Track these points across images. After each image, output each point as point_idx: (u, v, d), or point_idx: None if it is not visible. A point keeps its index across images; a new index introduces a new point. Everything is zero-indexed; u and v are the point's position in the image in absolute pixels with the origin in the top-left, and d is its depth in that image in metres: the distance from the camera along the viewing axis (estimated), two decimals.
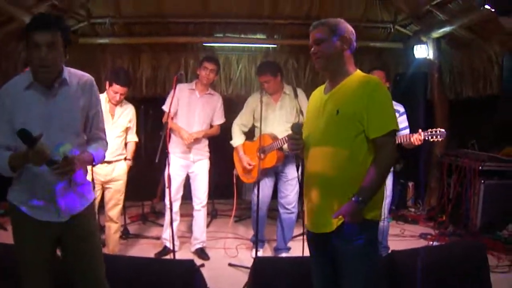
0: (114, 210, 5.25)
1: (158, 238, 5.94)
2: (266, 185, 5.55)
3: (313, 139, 3.00)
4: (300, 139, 3.03)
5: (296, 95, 5.48)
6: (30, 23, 2.70)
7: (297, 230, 5.93)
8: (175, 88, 4.96)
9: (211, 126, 5.75)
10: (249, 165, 5.52)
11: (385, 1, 7.76)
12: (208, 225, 6.21)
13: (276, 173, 5.57)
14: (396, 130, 2.85)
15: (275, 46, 8.63)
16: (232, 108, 5.97)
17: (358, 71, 3.00)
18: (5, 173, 2.71)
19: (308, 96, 3.62)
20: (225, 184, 6.76)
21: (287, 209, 5.50)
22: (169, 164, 4.91)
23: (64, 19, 2.84)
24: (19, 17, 6.85)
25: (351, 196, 2.77)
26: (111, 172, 5.13)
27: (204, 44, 8.53)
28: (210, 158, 5.79)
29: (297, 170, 3.64)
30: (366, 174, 2.79)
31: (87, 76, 3.00)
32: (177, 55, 8.65)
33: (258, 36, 8.45)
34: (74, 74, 2.93)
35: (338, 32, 2.92)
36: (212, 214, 7.46)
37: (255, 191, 5.28)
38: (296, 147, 3.04)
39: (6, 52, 7.47)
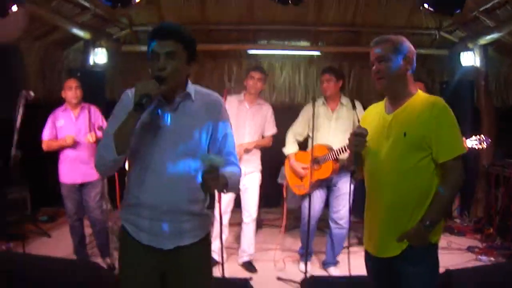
0: None
1: None
2: (318, 198, 5.44)
3: (376, 160, 2.93)
4: (365, 137, 2.91)
5: (353, 107, 5.40)
6: (150, 33, 2.59)
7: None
8: (225, 101, 4.93)
9: (263, 137, 5.72)
10: (303, 169, 5.41)
11: None
12: None
13: (328, 186, 5.47)
14: (463, 154, 2.79)
15: (319, 53, 8.59)
16: (276, 116, 5.88)
17: (420, 91, 2.93)
18: (110, 154, 2.49)
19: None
20: (268, 192, 6.69)
21: (338, 224, 5.42)
22: None
23: (188, 32, 2.64)
24: (62, 26, 6.95)
25: (417, 219, 2.75)
26: None
27: (247, 51, 8.51)
28: (262, 171, 5.74)
29: (351, 182, 3.54)
30: (434, 198, 2.76)
31: (215, 95, 2.82)
32: (221, 62, 8.69)
33: (302, 43, 8.45)
34: (201, 92, 2.76)
35: (402, 50, 2.85)
36: (258, 225, 7.35)
37: (306, 203, 5.23)
38: (359, 144, 2.92)
39: (50, 61, 7.60)
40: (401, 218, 2.81)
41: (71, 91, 5.41)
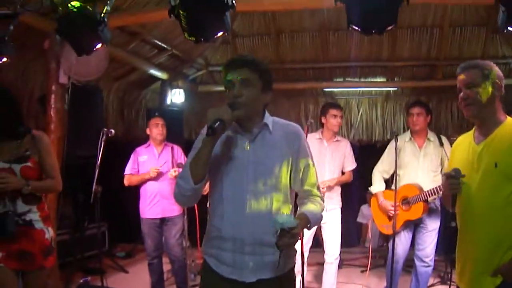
0: None
1: None
2: (405, 238, 5.25)
3: (467, 195, 2.77)
4: (459, 179, 2.76)
5: (441, 143, 5.19)
6: (225, 65, 2.61)
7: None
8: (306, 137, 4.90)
9: (343, 173, 5.63)
10: (392, 206, 5.10)
11: (506, 36, 7.31)
12: None
13: (415, 224, 5.25)
14: None
15: (396, 88, 8.45)
16: (354, 154, 5.77)
17: (509, 118, 2.78)
18: (187, 183, 2.49)
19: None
20: (346, 231, 6.54)
21: (424, 262, 5.18)
22: None
23: (262, 61, 2.64)
24: (140, 67, 7.12)
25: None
26: None
27: (323, 89, 8.49)
28: (342, 208, 5.62)
29: (441, 220, 3.37)
30: None
31: (293, 125, 2.75)
32: (297, 101, 8.64)
33: (378, 79, 8.33)
34: (279, 123, 2.71)
35: (491, 77, 2.71)
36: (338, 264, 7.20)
37: (391, 243, 5.07)
38: (455, 186, 2.77)
39: (129, 100, 7.81)
40: (495, 253, 2.64)
41: (157, 128, 5.55)
